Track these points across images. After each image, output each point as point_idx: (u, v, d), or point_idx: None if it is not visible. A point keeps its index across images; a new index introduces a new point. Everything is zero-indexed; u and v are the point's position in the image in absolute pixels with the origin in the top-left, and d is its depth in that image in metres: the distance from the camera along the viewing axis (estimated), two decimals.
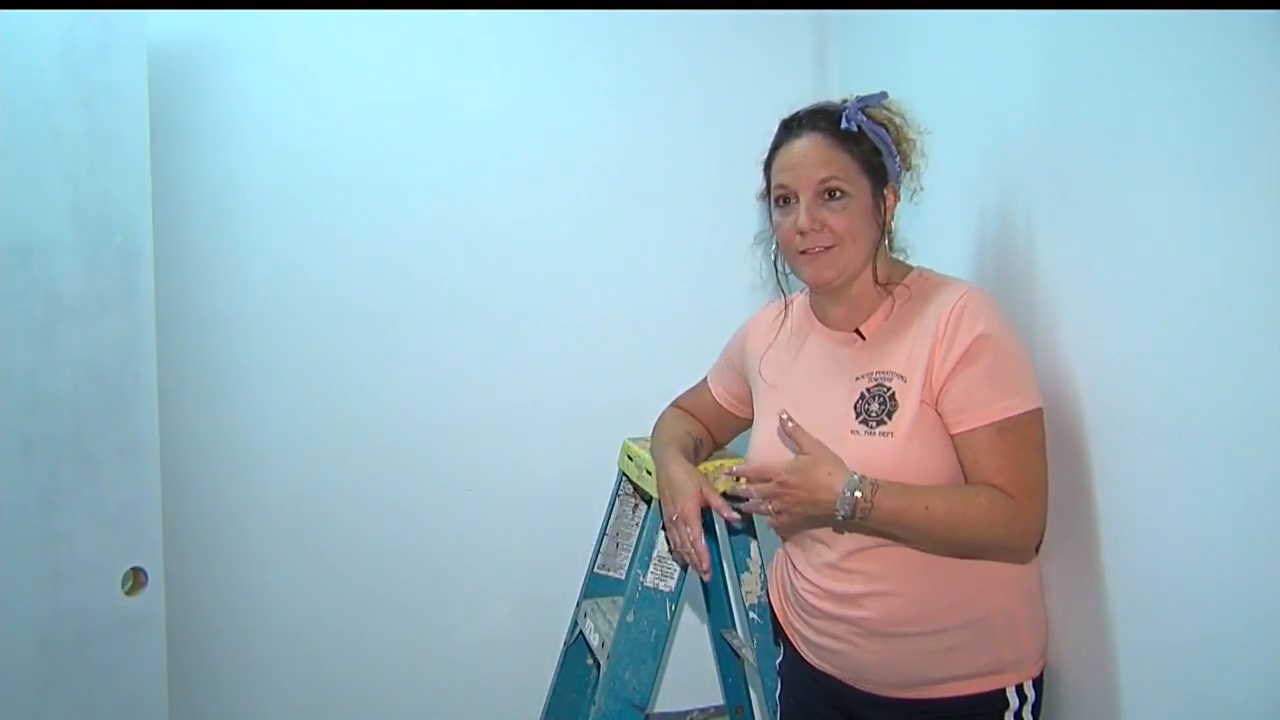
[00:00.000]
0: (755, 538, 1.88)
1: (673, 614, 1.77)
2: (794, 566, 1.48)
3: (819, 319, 1.49)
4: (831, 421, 1.38)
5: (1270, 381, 1.04)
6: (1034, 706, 1.38)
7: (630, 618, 1.75)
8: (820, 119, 1.40)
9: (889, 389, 1.35)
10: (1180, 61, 1.16)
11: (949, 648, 1.36)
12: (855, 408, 1.37)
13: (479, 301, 2.30)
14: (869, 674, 1.41)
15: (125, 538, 1.72)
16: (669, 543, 1.76)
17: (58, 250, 1.65)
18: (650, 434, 1.75)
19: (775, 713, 1.66)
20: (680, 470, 1.55)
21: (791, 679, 1.57)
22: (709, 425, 1.72)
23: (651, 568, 1.76)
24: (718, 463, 1.78)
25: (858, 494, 1.25)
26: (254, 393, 2.22)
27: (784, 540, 1.52)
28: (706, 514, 1.81)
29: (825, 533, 1.39)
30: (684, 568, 1.75)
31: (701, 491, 1.51)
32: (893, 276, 1.43)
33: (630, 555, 2.03)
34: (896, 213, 1.45)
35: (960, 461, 1.33)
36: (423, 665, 2.33)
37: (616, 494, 2.06)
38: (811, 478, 1.28)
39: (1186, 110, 1.15)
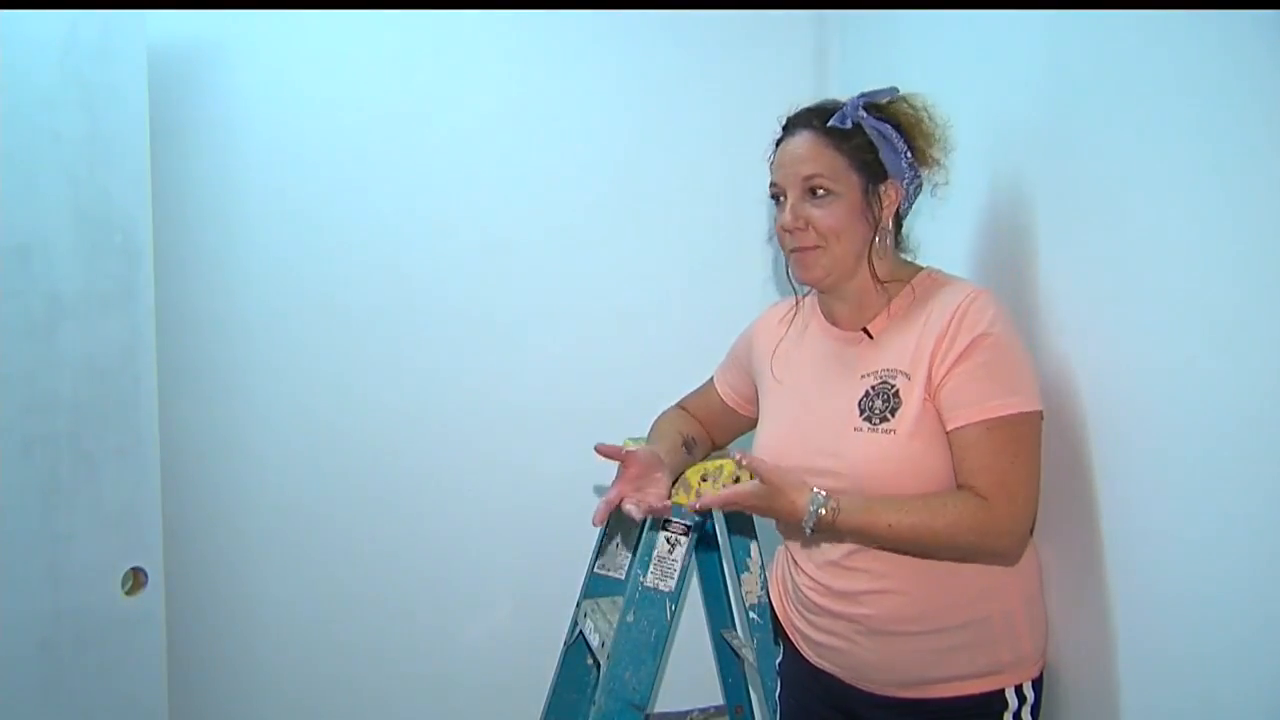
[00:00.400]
0: (755, 538, 1.89)
1: (673, 614, 1.77)
2: (796, 563, 1.48)
3: (826, 318, 1.49)
4: (836, 419, 1.38)
5: (1272, 383, 1.04)
6: (1033, 707, 1.38)
7: (630, 618, 1.75)
8: (814, 116, 1.40)
9: (893, 386, 1.35)
10: (1182, 62, 1.16)
11: (949, 647, 1.36)
12: (860, 405, 1.37)
13: (479, 301, 2.30)
14: (869, 672, 1.41)
15: (125, 538, 1.72)
16: (669, 541, 1.77)
17: (58, 250, 1.65)
18: (648, 433, 1.75)
19: (775, 713, 1.66)
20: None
21: (791, 678, 1.57)
22: (710, 425, 1.72)
23: (651, 568, 1.76)
24: (717, 463, 1.78)
25: (821, 511, 1.28)
26: (254, 392, 2.22)
27: (786, 538, 1.52)
28: (706, 513, 1.81)
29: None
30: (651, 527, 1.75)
31: (620, 449, 1.51)
32: (897, 276, 1.42)
33: (630, 555, 2.04)
34: (913, 210, 1.44)
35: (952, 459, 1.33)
36: (423, 665, 2.33)
37: None
38: (775, 506, 1.32)
39: (1188, 111, 1.15)
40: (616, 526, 2.07)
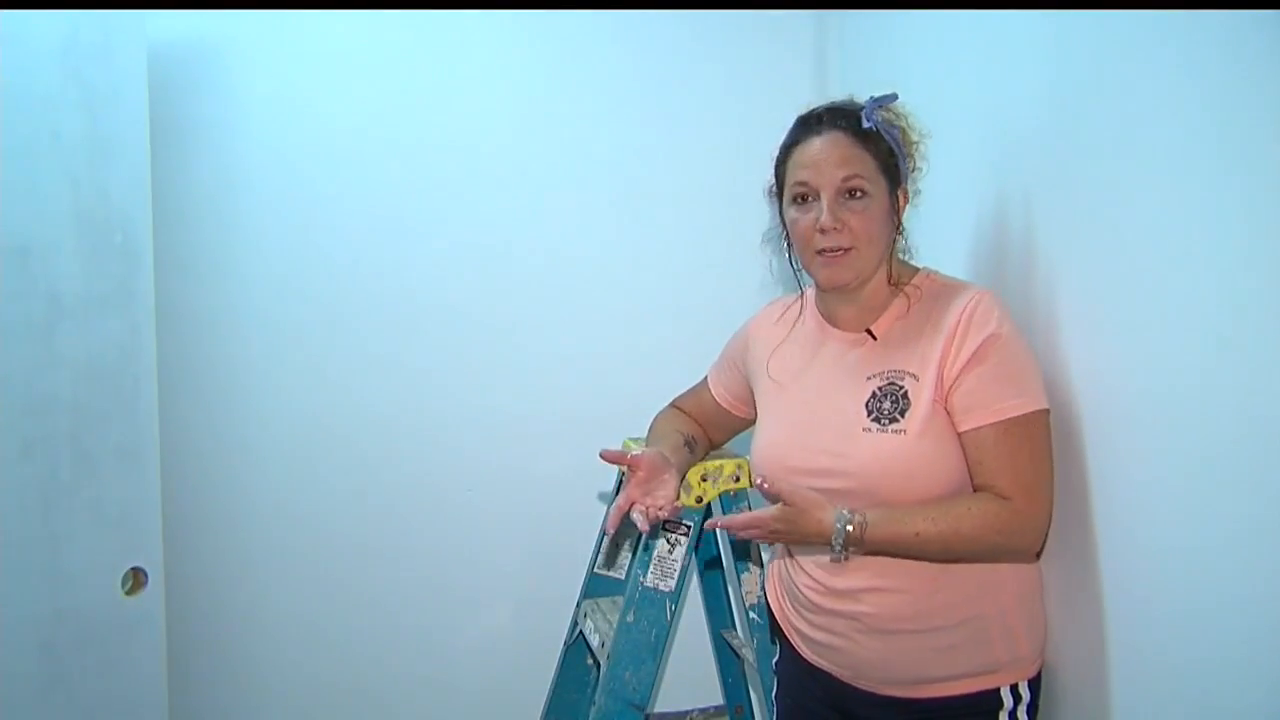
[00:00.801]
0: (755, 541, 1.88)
1: (673, 614, 1.78)
2: (795, 563, 1.48)
3: (827, 319, 1.49)
4: (843, 420, 1.38)
5: (1271, 384, 1.04)
6: (1029, 707, 1.38)
7: (630, 618, 1.75)
8: (840, 118, 1.40)
9: (901, 387, 1.36)
10: (1183, 62, 1.16)
11: (946, 646, 1.36)
12: (867, 406, 1.37)
13: (479, 301, 2.30)
14: (866, 671, 1.41)
15: (125, 538, 1.72)
16: (669, 541, 1.77)
17: (58, 250, 1.65)
18: (646, 433, 1.75)
19: (774, 712, 1.66)
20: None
21: (788, 677, 1.57)
22: (705, 425, 1.72)
23: (651, 568, 1.76)
24: (717, 463, 1.79)
25: (849, 528, 1.28)
26: (254, 393, 2.22)
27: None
28: (706, 511, 1.81)
29: None
30: (653, 535, 1.75)
31: (626, 454, 1.50)
32: (902, 277, 1.44)
33: (630, 555, 2.04)
34: (906, 214, 1.45)
35: (966, 460, 1.33)
36: (423, 665, 2.33)
37: (616, 494, 2.06)
38: (801, 527, 1.30)
39: (1188, 111, 1.15)
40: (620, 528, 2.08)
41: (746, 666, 2.04)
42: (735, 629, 2.05)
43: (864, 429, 1.36)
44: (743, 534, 1.39)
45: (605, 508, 2.07)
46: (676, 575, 1.77)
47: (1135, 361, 1.25)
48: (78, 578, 1.68)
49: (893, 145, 1.40)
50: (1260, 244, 1.05)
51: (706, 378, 1.72)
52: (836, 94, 1.49)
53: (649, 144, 2.36)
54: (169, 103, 1.98)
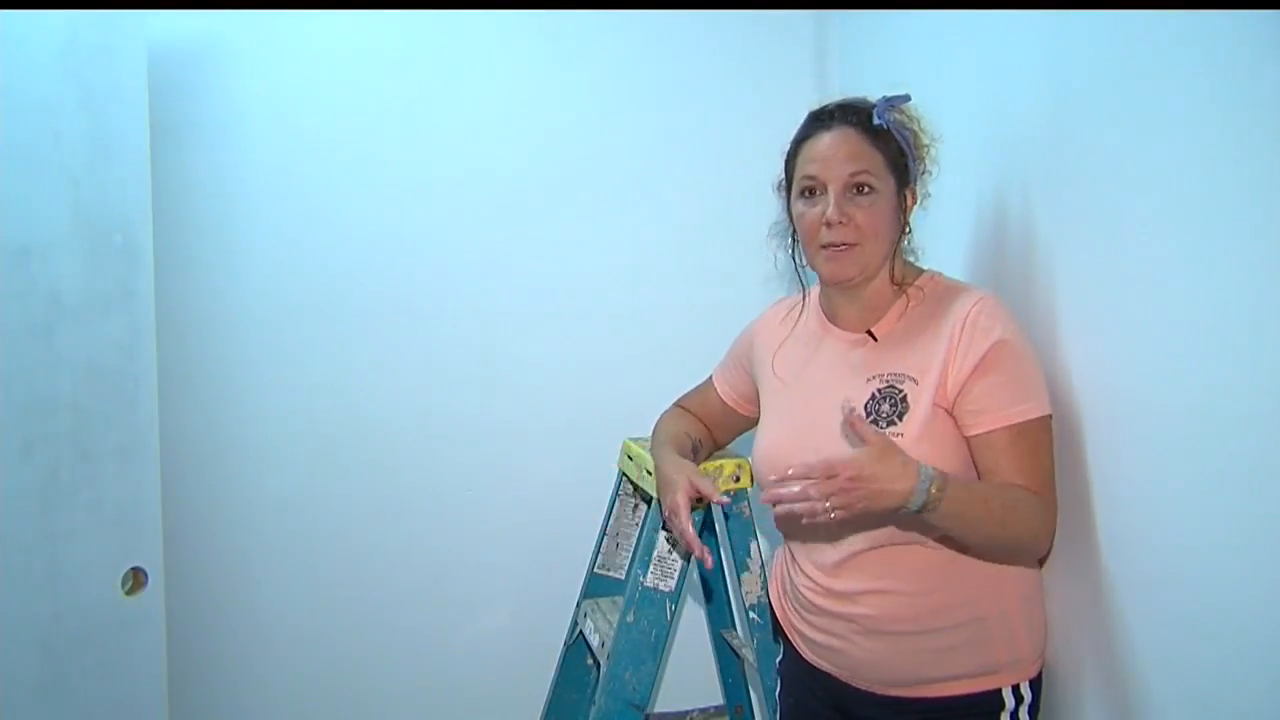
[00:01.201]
0: (756, 537, 1.88)
1: (673, 614, 1.78)
2: (795, 563, 1.48)
3: (829, 318, 1.49)
4: (840, 420, 1.38)
5: (1271, 384, 1.04)
6: (1031, 707, 1.38)
7: (630, 618, 1.75)
8: (852, 114, 1.41)
9: (900, 390, 1.36)
10: (1183, 62, 1.16)
11: (947, 647, 1.36)
12: (866, 408, 1.37)
13: (479, 302, 2.30)
14: (866, 672, 1.41)
15: (125, 538, 1.72)
16: (669, 541, 1.77)
17: (58, 250, 1.65)
18: (650, 434, 1.75)
19: (775, 712, 1.66)
20: (670, 465, 1.54)
21: (790, 677, 1.57)
22: (710, 425, 1.72)
23: (651, 568, 1.76)
24: (717, 463, 1.78)
25: (932, 488, 1.18)
26: (254, 393, 2.22)
27: (786, 538, 1.52)
28: (707, 510, 1.81)
29: (830, 533, 1.39)
30: (686, 559, 1.75)
31: (690, 482, 1.45)
32: (905, 278, 1.44)
33: (630, 555, 2.04)
34: (912, 215, 1.46)
35: (975, 463, 1.34)
36: (423, 665, 2.33)
37: (616, 494, 2.06)
38: (887, 469, 1.16)
39: (1188, 111, 1.15)
40: (616, 526, 2.08)
41: (746, 666, 2.04)
42: (735, 629, 2.05)
43: None
44: (816, 486, 1.14)
45: (605, 508, 2.07)
46: (676, 575, 1.77)
47: (1135, 362, 1.25)
48: (77, 578, 1.68)
49: (903, 145, 1.40)
50: (1260, 244, 1.05)
51: (711, 378, 1.73)
52: (837, 94, 1.49)
53: (649, 145, 2.36)
54: (169, 103, 1.98)
